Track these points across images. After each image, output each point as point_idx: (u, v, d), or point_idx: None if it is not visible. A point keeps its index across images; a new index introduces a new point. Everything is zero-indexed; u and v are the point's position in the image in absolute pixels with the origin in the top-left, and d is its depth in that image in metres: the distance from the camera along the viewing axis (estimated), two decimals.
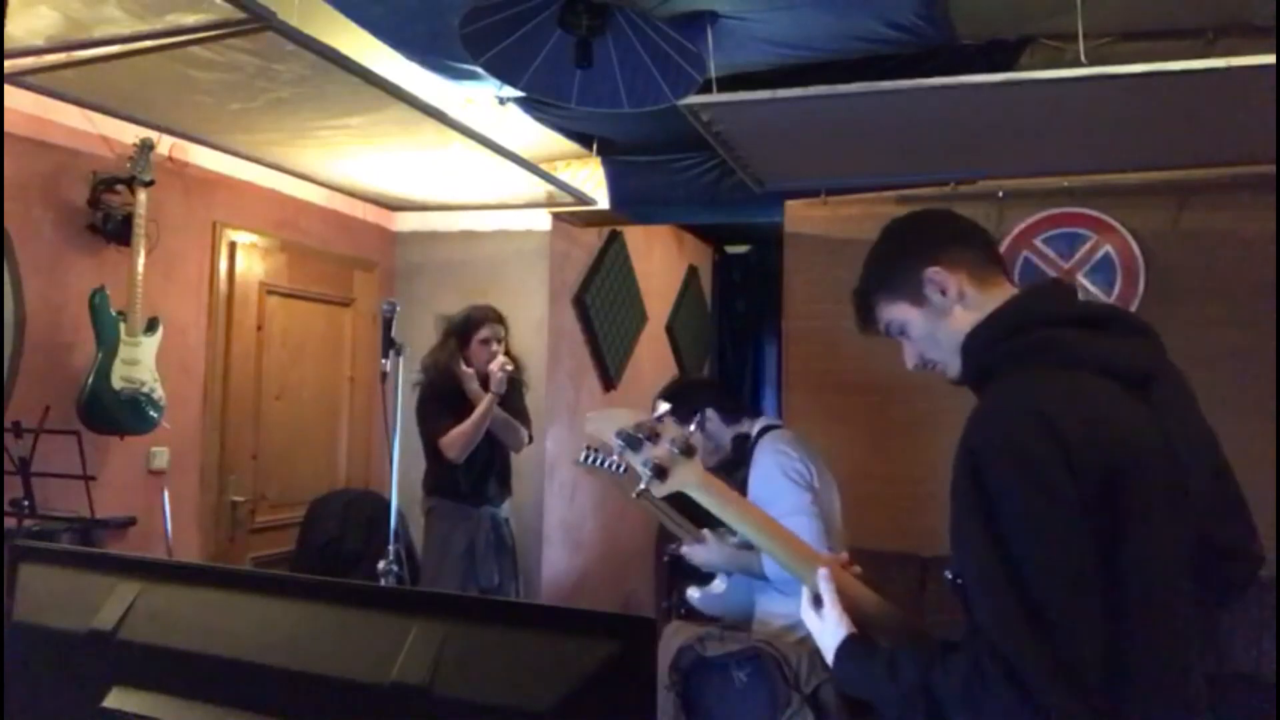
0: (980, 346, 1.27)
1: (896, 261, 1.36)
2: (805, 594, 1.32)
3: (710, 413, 2.65)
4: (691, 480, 1.30)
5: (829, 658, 1.28)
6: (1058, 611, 1.04)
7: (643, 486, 1.30)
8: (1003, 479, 1.09)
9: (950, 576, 1.17)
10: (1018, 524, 1.07)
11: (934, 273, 1.31)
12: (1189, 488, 1.17)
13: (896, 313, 1.36)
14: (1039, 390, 1.15)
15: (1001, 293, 1.31)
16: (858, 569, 1.41)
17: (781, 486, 2.46)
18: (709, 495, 1.31)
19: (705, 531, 2.64)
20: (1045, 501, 1.07)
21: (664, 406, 1.32)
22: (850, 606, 1.28)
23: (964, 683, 1.07)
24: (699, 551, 2.62)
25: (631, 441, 1.28)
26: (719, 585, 2.72)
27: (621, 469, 2.46)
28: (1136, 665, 1.08)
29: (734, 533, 2.63)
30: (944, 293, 1.31)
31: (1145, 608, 1.09)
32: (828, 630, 1.28)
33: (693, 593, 2.78)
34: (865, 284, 1.41)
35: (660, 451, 1.28)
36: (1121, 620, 1.07)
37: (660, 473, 1.28)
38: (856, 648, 1.24)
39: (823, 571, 1.29)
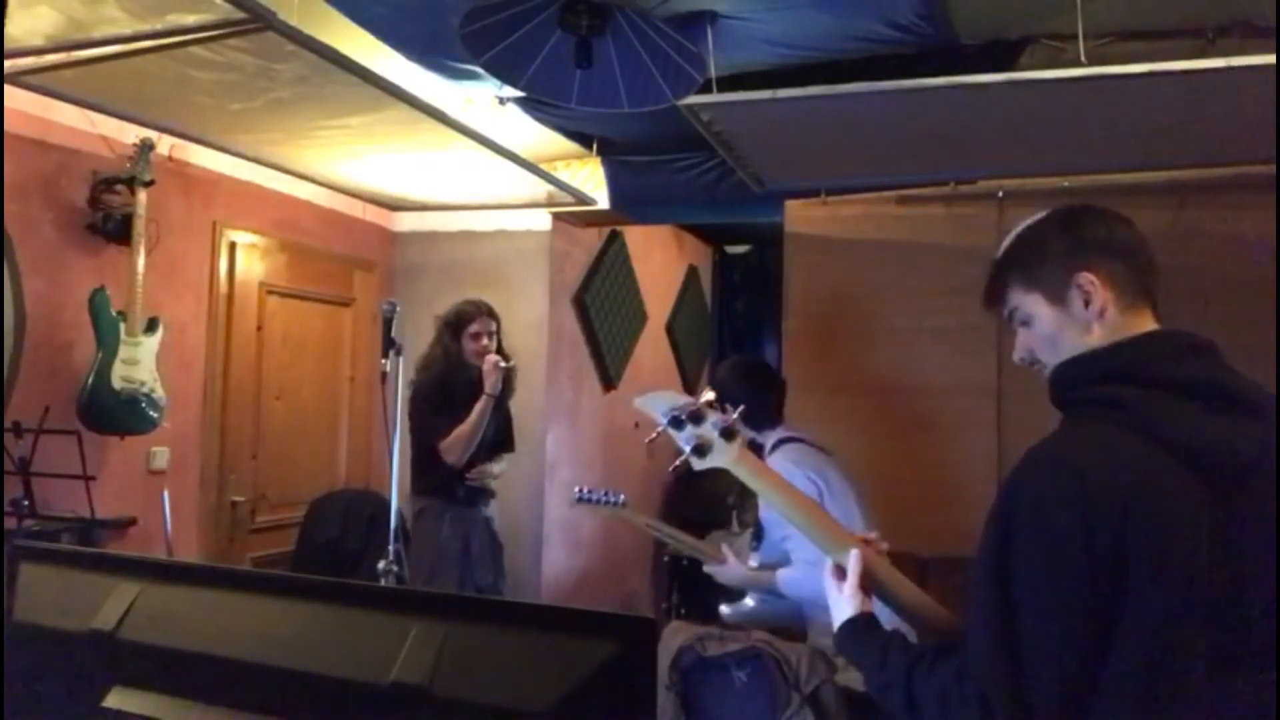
0: (1066, 380, 1.24)
1: (1050, 251, 1.26)
2: (829, 564, 1.36)
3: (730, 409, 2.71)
4: (729, 458, 1.38)
5: (835, 626, 1.34)
6: (1038, 660, 1.06)
7: (678, 462, 1.40)
8: (1024, 525, 1.11)
9: None
10: (1024, 569, 1.09)
11: (1086, 279, 1.22)
12: (1247, 576, 1.09)
13: (1028, 303, 1.28)
14: (1087, 451, 1.12)
15: (1140, 324, 1.23)
16: (885, 545, 1.44)
17: None
18: (744, 472, 1.39)
19: (725, 549, 2.71)
20: (1054, 559, 1.08)
21: (709, 393, 1.44)
22: (880, 588, 1.33)
23: (941, 689, 1.13)
24: (720, 571, 2.71)
25: (676, 421, 1.38)
26: (749, 601, 2.78)
27: (617, 501, 2.59)
28: None
29: (755, 549, 2.69)
30: (1087, 304, 1.23)
31: (1131, 688, 1.06)
32: (842, 601, 1.33)
33: (724, 609, 2.87)
34: (1007, 260, 1.31)
35: (702, 431, 1.38)
36: (1107, 689, 1.06)
37: (700, 451, 1.37)
38: (860, 626, 1.30)
39: (854, 552, 1.33)
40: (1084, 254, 1.24)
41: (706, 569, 2.75)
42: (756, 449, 2.69)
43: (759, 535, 2.73)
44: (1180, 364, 1.18)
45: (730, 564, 2.68)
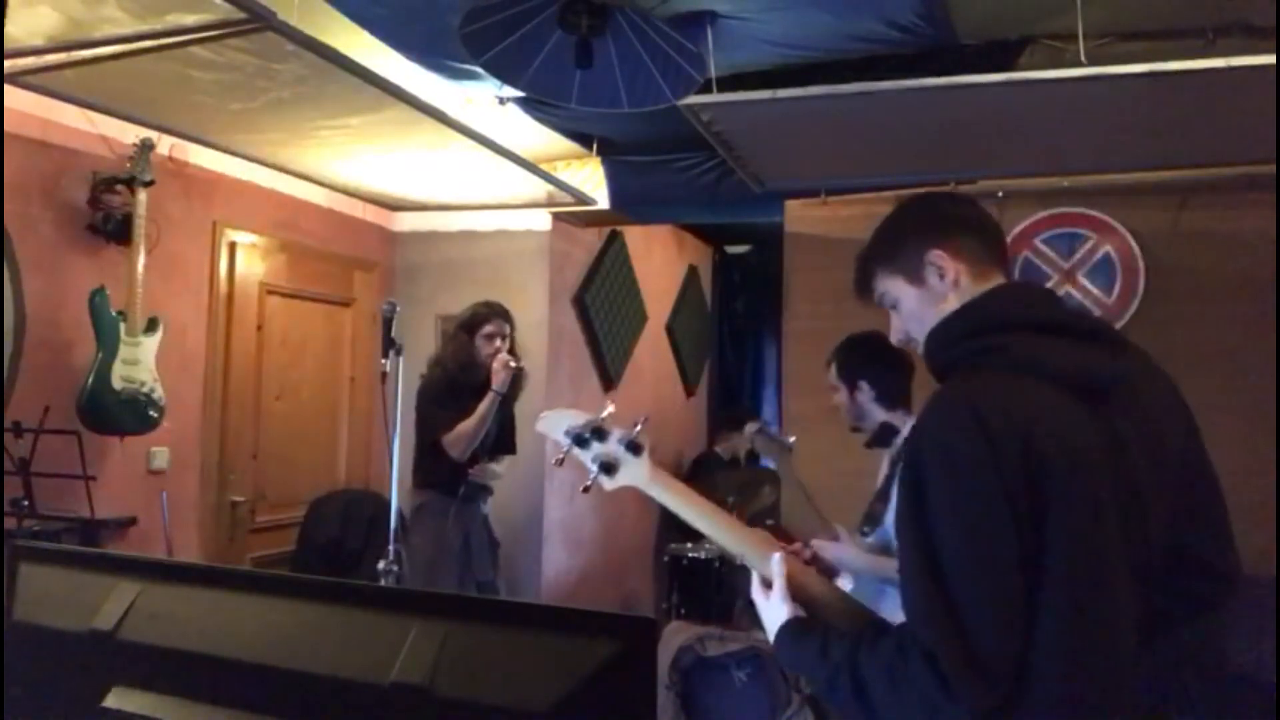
0: (941, 343, 1.31)
1: (903, 237, 1.38)
2: (755, 577, 1.36)
3: (865, 385, 2.55)
4: (640, 476, 1.35)
5: (770, 637, 1.33)
6: (974, 605, 1.07)
7: (589, 482, 1.35)
8: (933, 475, 1.13)
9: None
10: (943, 519, 1.11)
11: (936, 255, 1.32)
12: (1143, 497, 1.16)
13: (892, 286, 1.38)
14: (979, 392, 1.17)
15: (992, 286, 1.32)
16: (809, 553, 1.47)
17: None
18: (657, 489, 1.36)
19: (840, 529, 2.54)
20: (969, 500, 1.10)
21: (610, 407, 1.37)
22: (802, 593, 1.33)
23: (888, 664, 1.12)
24: (831, 549, 2.38)
25: (579, 439, 1.34)
26: (845, 585, 2.61)
27: (788, 444, 2.57)
28: (1055, 661, 1.09)
29: (867, 534, 2.48)
30: (941, 277, 1.32)
31: (1065, 611, 1.09)
32: (771, 608, 1.32)
33: None
34: (869, 251, 1.43)
35: (608, 449, 1.34)
36: (1042, 620, 1.09)
37: (607, 469, 1.34)
38: (796, 628, 1.30)
39: (775, 557, 1.33)
40: (934, 233, 1.35)
41: (813, 543, 2.44)
42: (891, 433, 2.53)
43: (875, 519, 2.50)
44: (1040, 306, 1.30)
45: (843, 543, 2.45)
